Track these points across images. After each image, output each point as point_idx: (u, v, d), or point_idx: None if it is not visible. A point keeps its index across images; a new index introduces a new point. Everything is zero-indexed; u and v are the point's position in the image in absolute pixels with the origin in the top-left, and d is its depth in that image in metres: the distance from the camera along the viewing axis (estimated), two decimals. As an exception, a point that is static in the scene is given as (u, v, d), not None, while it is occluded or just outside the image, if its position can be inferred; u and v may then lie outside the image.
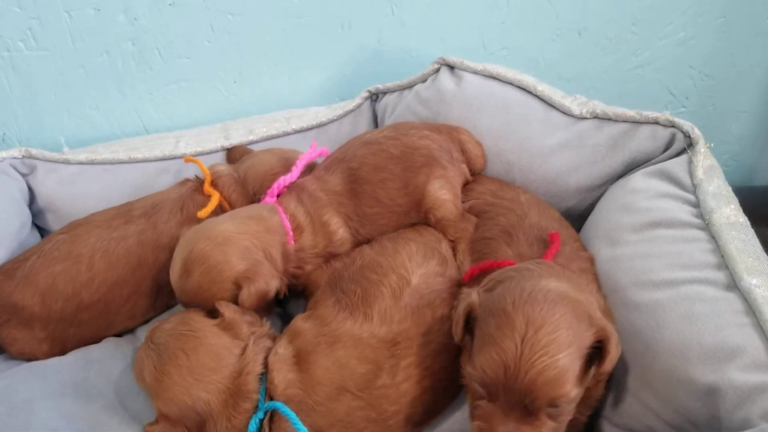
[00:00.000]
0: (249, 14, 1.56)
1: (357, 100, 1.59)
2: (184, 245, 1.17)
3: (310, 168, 1.38)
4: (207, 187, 1.35)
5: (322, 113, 1.59)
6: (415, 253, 1.19)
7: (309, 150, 1.38)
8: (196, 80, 1.62)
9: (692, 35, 1.83)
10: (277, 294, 1.20)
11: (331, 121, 1.58)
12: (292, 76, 1.68)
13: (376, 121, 1.62)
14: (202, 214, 1.29)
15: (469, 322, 1.00)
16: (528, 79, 1.42)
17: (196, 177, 1.41)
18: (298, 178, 1.34)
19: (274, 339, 1.13)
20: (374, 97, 1.61)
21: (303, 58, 1.66)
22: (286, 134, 1.55)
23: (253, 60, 1.63)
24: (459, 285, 1.21)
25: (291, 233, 1.24)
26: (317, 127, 1.58)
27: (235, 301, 1.14)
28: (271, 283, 1.17)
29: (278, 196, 1.31)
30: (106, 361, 1.23)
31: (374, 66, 1.70)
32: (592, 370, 0.94)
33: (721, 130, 2.01)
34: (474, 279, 1.17)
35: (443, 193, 1.29)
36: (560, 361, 0.88)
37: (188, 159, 1.41)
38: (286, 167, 1.37)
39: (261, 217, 1.22)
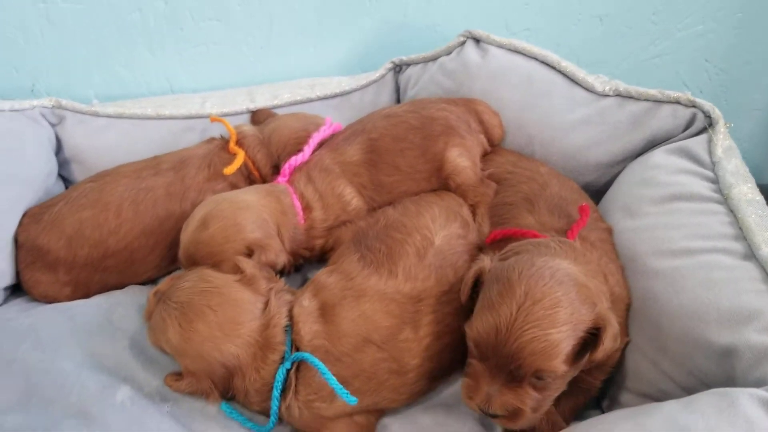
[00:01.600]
0: (280, -20, 1.57)
1: (381, 71, 1.60)
2: (206, 205, 1.20)
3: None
4: (233, 146, 1.36)
5: (346, 82, 1.59)
6: (438, 216, 1.20)
7: (323, 127, 1.40)
8: (224, 43, 1.62)
9: (711, 29, 1.84)
10: (282, 269, 1.23)
11: (354, 90, 1.58)
12: (317, 46, 1.68)
13: (398, 93, 1.63)
14: (228, 170, 1.30)
15: (478, 285, 1.02)
16: (552, 56, 1.43)
17: (222, 137, 1.42)
18: (312, 153, 1.36)
19: (292, 293, 1.14)
20: (398, 68, 1.62)
21: (330, 28, 1.66)
22: (310, 101, 1.56)
23: (282, 27, 1.63)
24: (480, 248, 1.22)
25: (301, 213, 1.27)
26: (341, 96, 1.58)
27: None
28: (280, 256, 1.20)
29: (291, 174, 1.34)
30: (129, 305, 1.24)
31: (399, 40, 1.70)
32: (587, 356, 0.95)
33: (732, 127, 2.00)
34: (496, 243, 1.19)
35: (462, 160, 1.31)
36: (551, 336, 0.90)
37: (214, 118, 1.42)
38: (308, 133, 1.38)
39: (278, 198, 1.25)
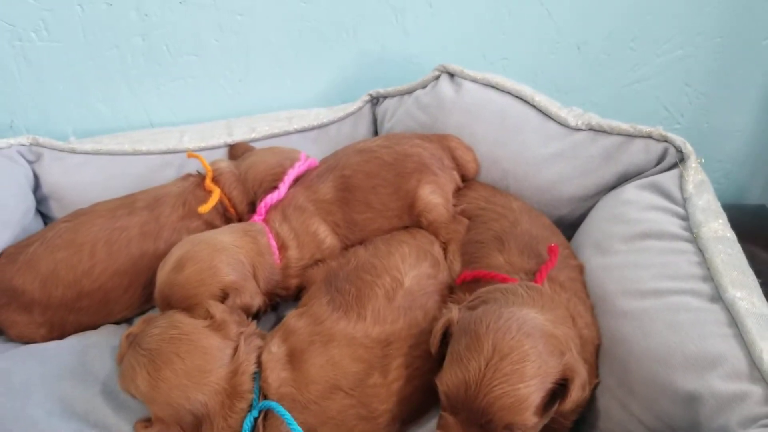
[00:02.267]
0: (257, 15, 1.57)
1: (358, 103, 1.60)
2: (183, 245, 1.20)
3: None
4: (208, 183, 1.36)
5: (324, 114, 1.60)
6: (408, 255, 1.20)
7: (297, 163, 1.40)
8: (202, 77, 1.63)
9: (690, 53, 1.84)
10: (258, 311, 1.23)
11: (332, 122, 1.59)
12: (295, 78, 1.69)
13: (375, 124, 1.63)
14: (203, 209, 1.30)
15: (447, 336, 1.02)
16: (526, 90, 1.43)
17: (198, 173, 1.42)
18: (289, 188, 1.36)
19: (262, 337, 1.13)
20: (375, 100, 1.62)
21: (307, 60, 1.67)
22: (288, 133, 1.56)
23: (259, 60, 1.64)
24: (450, 287, 1.22)
25: (277, 253, 1.27)
26: (318, 128, 1.59)
27: None
28: (255, 298, 1.20)
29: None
30: (103, 346, 1.23)
31: (376, 71, 1.71)
32: (556, 405, 0.95)
33: (714, 148, 2.01)
34: (466, 284, 1.18)
35: (434, 197, 1.31)
36: (520, 390, 0.90)
37: (191, 154, 1.42)
38: (284, 168, 1.38)
39: (255, 238, 1.25)
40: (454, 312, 1.01)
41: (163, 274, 1.18)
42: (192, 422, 1.03)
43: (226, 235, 1.23)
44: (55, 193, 1.48)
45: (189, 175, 1.41)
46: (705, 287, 1.06)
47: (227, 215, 1.38)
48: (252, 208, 1.38)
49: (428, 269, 1.20)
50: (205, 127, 1.59)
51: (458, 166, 1.39)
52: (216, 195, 1.33)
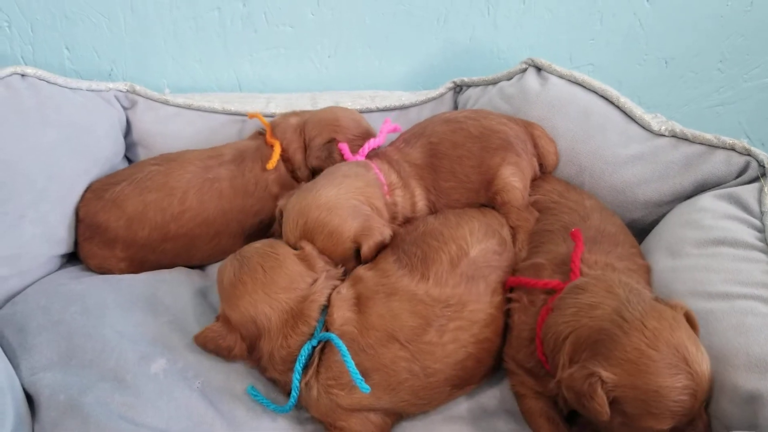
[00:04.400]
0: (353, -6, 1.62)
1: (441, 89, 1.63)
2: (297, 215, 1.21)
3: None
4: (269, 138, 1.41)
5: (406, 97, 1.63)
6: (477, 230, 1.22)
7: (386, 123, 1.43)
8: (294, 49, 1.68)
9: (779, 81, 1.82)
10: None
11: (414, 105, 1.62)
12: (382, 60, 1.73)
13: (457, 112, 1.66)
14: (269, 165, 1.36)
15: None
16: (612, 90, 1.44)
17: (263, 129, 1.46)
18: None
19: (343, 282, 1.17)
20: (458, 88, 1.65)
21: (396, 44, 1.71)
22: (370, 111, 1.59)
23: (350, 39, 1.68)
24: (514, 270, 1.23)
25: (386, 188, 1.29)
26: (399, 109, 1.62)
27: (358, 254, 1.20)
28: (384, 232, 1.22)
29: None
30: (174, 284, 1.28)
31: (462, 62, 1.74)
32: None
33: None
34: (515, 288, 1.19)
35: (514, 180, 1.32)
36: None
37: (252, 115, 1.47)
38: (352, 126, 1.41)
39: (358, 174, 1.26)
40: (603, 374, 0.94)
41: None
42: (252, 332, 1.08)
43: (329, 188, 1.22)
44: (144, 140, 1.54)
45: (259, 133, 1.46)
46: (777, 296, 1.06)
47: (289, 165, 1.42)
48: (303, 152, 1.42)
49: (495, 246, 1.21)
50: (291, 96, 1.64)
51: (539, 155, 1.40)
52: (278, 148, 1.38)
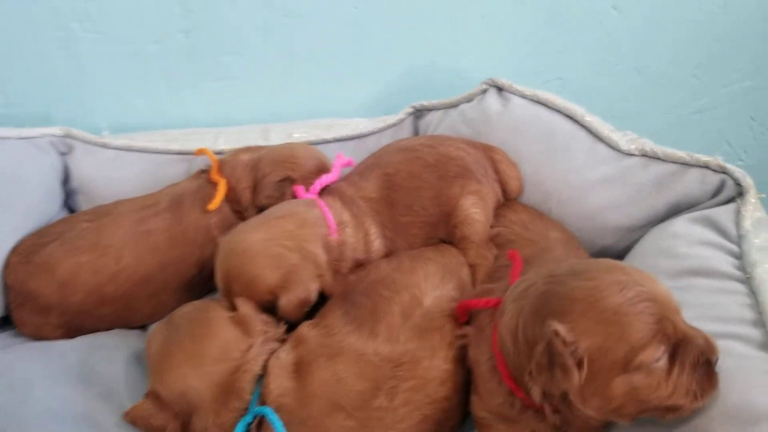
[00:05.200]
0: (304, 18, 1.54)
1: (400, 115, 1.55)
2: (221, 261, 1.15)
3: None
4: (214, 175, 1.33)
5: (364, 125, 1.56)
6: (432, 274, 1.14)
7: (339, 158, 1.36)
8: (243, 78, 1.61)
9: (758, 86, 1.75)
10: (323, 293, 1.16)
11: (372, 134, 1.55)
12: (339, 86, 1.66)
13: (417, 138, 1.59)
14: (211, 206, 1.28)
15: None
16: (577, 109, 1.37)
17: (208, 167, 1.38)
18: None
19: (284, 343, 1.09)
20: (418, 113, 1.57)
21: (352, 68, 1.63)
22: (326, 142, 1.52)
23: (303, 65, 1.61)
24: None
25: (334, 226, 1.19)
26: (357, 138, 1.55)
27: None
28: (309, 287, 1.13)
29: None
30: (110, 348, 1.20)
31: (423, 83, 1.67)
32: None
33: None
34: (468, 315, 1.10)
35: (475, 211, 1.25)
36: None
37: (199, 151, 1.40)
38: (309, 163, 1.33)
39: (294, 214, 1.18)
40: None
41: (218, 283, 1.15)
42: (184, 409, 0.99)
43: (257, 231, 1.15)
44: (84, 186, 1.47)
45: (201, 171, 1.38)
46: (755, 333, 0.97)
47: (235, 205, 1.34)
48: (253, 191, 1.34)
49: (452, 291, 1.13)
50: (242, 129, 1.57)
51: (500, 181, 1.33)
52: (222, 186, 1.30)
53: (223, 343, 1.02)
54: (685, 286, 1.09)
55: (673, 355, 0.87)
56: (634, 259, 1.24)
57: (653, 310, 0.85)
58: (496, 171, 1.32)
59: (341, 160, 1.36)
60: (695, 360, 0.87)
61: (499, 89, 1.43)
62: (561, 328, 0.84)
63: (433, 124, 1.52)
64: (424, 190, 1.26)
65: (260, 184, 1.33)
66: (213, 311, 1.07)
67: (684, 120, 1.79)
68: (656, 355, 0.85)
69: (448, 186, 1.26)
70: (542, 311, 0.88)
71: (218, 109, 1.64)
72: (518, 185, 1.34)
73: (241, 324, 1.05)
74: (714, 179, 1.22)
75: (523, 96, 1.40)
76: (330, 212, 1.21)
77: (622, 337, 0.84)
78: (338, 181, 1.32)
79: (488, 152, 1.34)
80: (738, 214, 1.16)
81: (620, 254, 1.31)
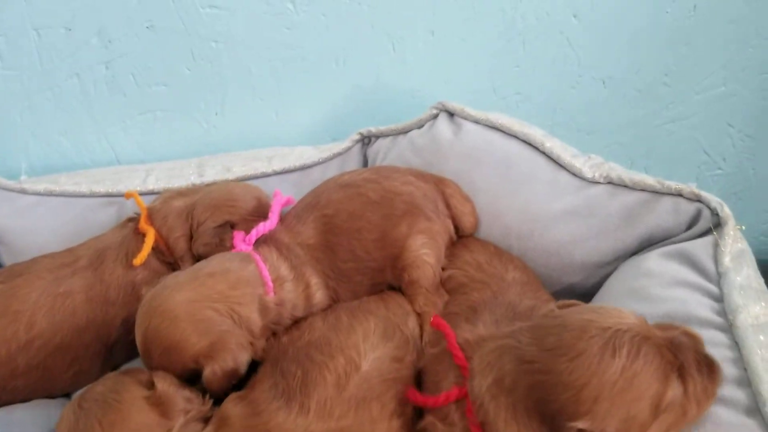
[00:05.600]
0: (234, 43, 1.42)
1: (347, 143, 1.42)
2: (141, 320, 1.02)
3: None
4: (142, 224, 1.20)
5: (308, 154, 1.43)
6: (372, 332, 1.01)
7: (278, 197, 1.23)
8: (173, 110, 1.48)
9: (733, 91, 1.64)
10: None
11: (317, 164, 1.41)
12: (279, 113, 1.53)
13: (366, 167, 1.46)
14: (136, 261, 1.14)
15: None
16: (536, 133, 1.25)
17: (137, 214, 1.25)
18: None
19: (208, 423, 0.96)
20: (366, 140, 1.44)
21: (293, 93, 1.51)
22: (266, 175, 1.39)
23: (238, 92, 1.48)
24: (419, 373, 1.03)
25: (270, 284, 1.06)
26: (300, 170, 1.41)
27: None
28: (239, 358, 1.00)
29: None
30: (25, 424, 1.08)
31: (372, 107, 1.55)
32: None
33: (761, 198, 1.79)
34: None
35: (425, 252, 1.13)
36: None
37: (129, 194, 1.26)
38: (251, 205, 1.21)
39: (227, 271, 1.05)
40: None
41: (142, 360, 1.03)
42: None
43: (185, 290, 1.02)
44: (2, 237, 1.34)
45: (129, 220, 1.25)
46: (739, 394, 0.86)
47: (166, 257, 1.21)
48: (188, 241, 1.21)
49: (394, 350, 1.00)
50: (175, 165, 1.43)
51: (452, 216, 1.21)
52: (150, 238, 1.17)
53: (138, 428, 0.90)
54: (659, 336, 0.98)
55: (680, 374, 0.79)
56: (602, 302, 1.12)
57: (649, 349, 0.77)
58: (448, 206, 1.20)
59: (280, 199, 1.23)
60: (696, 363, 0.81)
61: (450, 114, 1.31)
62: (584, 424, 0.75)
63: (382, 152, 1.39)
64: (367, 231, 1.13)
65: (196, 231, 1.20)
66: (127, 392, 0.94)
67: (657, 131, 1.68)
68: (676, 390, 0.78)
69: (394, 226, 1.13)
70: (546, 410, 0.78)
71: (150, 143, 1.51)
72: (472, 222, 1.22)
73: (159, 405, 0.93)
74: (688, 209, 1.11)
75: (476, 121, 1.28)
76: (266, 267, 1.08)
77: (641, 396, 0.76)
78: (275, 228, 1.18)
79: (439, 185, 1.21)
80: (716, 249, 1.05)
81: (589, 292, 1.20)
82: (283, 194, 1.26)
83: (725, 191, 1.77)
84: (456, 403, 0.90)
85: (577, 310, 0.86)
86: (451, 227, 1.20)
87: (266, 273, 1.07)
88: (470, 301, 1.07)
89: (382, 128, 1.40)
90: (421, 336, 1.07)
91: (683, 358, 0.79)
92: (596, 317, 0.80)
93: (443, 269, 1.16)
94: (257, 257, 1.09)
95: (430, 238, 1.14)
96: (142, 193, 1.35)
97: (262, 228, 1.15)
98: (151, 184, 1.37)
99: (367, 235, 1.13)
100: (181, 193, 1.27)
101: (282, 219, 1.20)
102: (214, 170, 1.40)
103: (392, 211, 1.14)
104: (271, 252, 1.12)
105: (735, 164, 1.76)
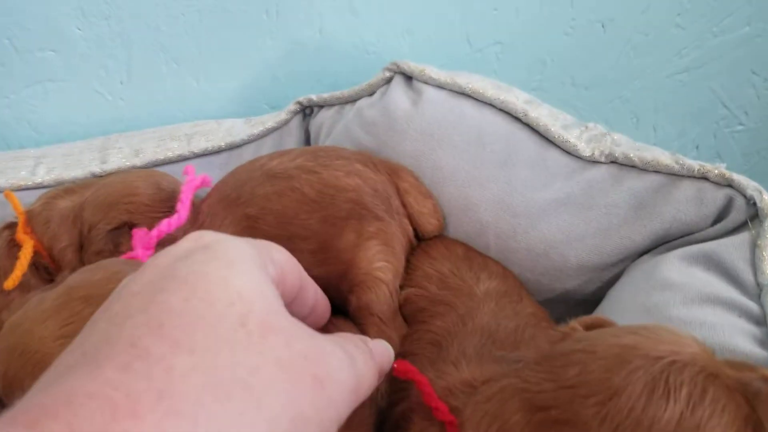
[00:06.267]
0: (137, -6, 1.13)
1: (282, 115, 1.15)
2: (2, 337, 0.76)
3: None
4: (19, 234, 0.94)
5: (238, 130, 1.16)
6: None
7: (188, 179, 0.96)
8: (67, 80, 1.20)
9: (759, 31, 1.38)
10: None
11: (247, 142, 1.15)
12: (201, 79, 1.25)
13: (309, 144, 1.19)
14: (8, 285, 0.88)
15: None
16: (516, 99, 0.98)
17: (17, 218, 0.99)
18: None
19: None
20: (308, 110, 1.17)
21: (216, 54, 1.23)
22: (184, 159, 1.13)
23: (145, 55, 1.20)
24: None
25: None
26: (228, 150, 1.15)
27: None
28: None
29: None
30: None
31: (316, 68, 1.27)
32: None
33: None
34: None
35: (380, 267, 0.87)
36: None
37: (7, 194, 1.00)
38: (155, 198, 0.95)
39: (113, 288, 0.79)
40: None
41: None
42: None
43: (54, 317, 0.76)
44: None
45: (5, 227, 0.99)
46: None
47: (51, 273, 0.96)
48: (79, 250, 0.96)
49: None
50: (72, 150, 1.17)
51: (410, 217, 0.95)
52: (26, 252, 0.91)
53: None
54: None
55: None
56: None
57: (719, 393, 0.52)
58: (404, 204, 0.94)
59: (191, 182, 0.96)
60: None
61: (408, 77, 1.04)
62: None
63: (327, 125, 1.12)
64: (302, 240, 0.87)
65: (87, 237, 0.95)
66: None
67: (668, 82, 1.42)
68: None
69: (337, 233, 0.87)
70: None
71: (43, 120, 1.24)
72: (434, 224, 0.96)
73: None
74: (716, 196, 0.86)
75: (440, 85, 1.00)
76: None
77: None
78: (184, 225, 0.92)
79: (394, 175, 0.95)
80: (754, 251, 0.81)
81: (589, 299, 0.96)
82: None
83: (748, 150, 1.53)
84: None
85: (610, 331, 0.60)
86: (410, 229, 0.94)
87: None
88: (431, 334, 0.82)
89: (325, 95, 1.12)
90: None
91: (762, 412, 0.55)
92: (640, 342, 0.55)
93: (400, 286, 0.90)
94: None
95: (384, 244, 0.88)
96: (30, 188, 1.10)
97: (166, 226, 0.89)
98: (41, 176, 1.11)
99: (303, 245, 0.87)
100: (66, 190, 1.01)
101: (194, 212, 0.94)
102: (121, 154, 1.14)
103: (334, 213, 0.88)
104: None
105: (759, 118, 1.51)
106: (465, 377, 0.71)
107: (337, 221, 0.88)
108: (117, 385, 0.33)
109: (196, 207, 0.96)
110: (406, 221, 0.93)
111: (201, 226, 0.91)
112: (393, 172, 0.95)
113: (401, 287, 0.90)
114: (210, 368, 0.36)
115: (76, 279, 0.80)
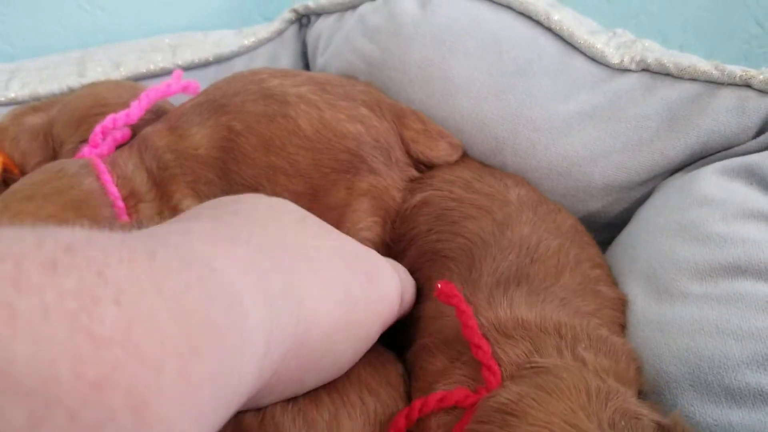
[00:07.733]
0: None
1: (276, 24, 1.09)
2: None
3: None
4: None
5: (227, 41, 1.10)
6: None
7: (170, 80, 0.90)
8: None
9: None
10: None
11: (238, 55, 1.09)
12: (187, -17, 1.18)
13: (306, 58, 1.12)
14: None
15: None
16: (538, 1, 0.92)
17: None
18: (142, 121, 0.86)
19: None
20: (304, 20, 1.10)
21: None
22: (168, 72, 1.06)
23: (127, -43, 1.13)
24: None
25: (121, 204, 0.77)
26: (216, 63, 1.08)
27: None
28: None
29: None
30: None
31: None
32: None
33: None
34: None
35: (368, 224, 0.81)
36: None
37: None
38: (125, 107, 0.88)
39: (54, 191, 0.75)
40: None
41: None
42: None
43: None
44: None
45: None
46: None
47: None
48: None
49: None
50: (47, 63, 1.11)
51: (425, 164, 0.88)
52: None
53: None
54: (726, 297, 0.67)
55: None
56: (639, 241, 0.82)
57: None
58: (409, 154, 0.87)
59: (177, 83, 0.90)
60: None
61: (416, -23, 0.96)
62: None
63: (325, 36, 1.05)
64: (287, 176, 0.80)
65: (60, 154, 0.90)
66: None
67: (692, -4, 1.35)
68: None
69: (327, 187, 0.80)
70: None
71: (18, 34, 1.17)
72: (456, 159, 0.89)
73: None
74: (759, 105, 0.79)
75: (453, -15, 0.94)
76: (114, 179, 0.77)
77: None
78: (152, 127, 0.86)
79: (400, 122, 0.87)
80: (802, 164, 0.75)
81: (614, 222, 0.90)
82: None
83: (781, 73, 1.46)
84: (448, 415, 0.61)
85: None
86: (413, 173, 0.87)
87: (113, 188, 0.76)
88: (461, 238, 0.75)
89: (323, 2, 1.05)
90: None
91: None
92: None
93: (411, 194, 0.84)
94: (100, 166, 0.78)
95: (374, 202, 0.81)
96: (2, 104, 1.04)
97: (111, 122, 0.83)
98: (15, 91, 1.05)
99: (285, 182, 0.80)
100: (34, 107, 0.95)
101: (165, 117, 0.87)
102: (100, 67, 1.08)
103: (329, 161, 0.80)
104: (129, 157, 0.81)
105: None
106: (511, 316, 0.64)
107: (330, 173, 0.80)
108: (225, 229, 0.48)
109: (173, 111, 0.89)
110: (412, 170, 0.87)
111: (173, 125, 0.84)
112: (398, 118, 0.87)
113: (413, 194, 0.84)
114: (278, 237, 0.50)
115: (17, 184, 0.78)
